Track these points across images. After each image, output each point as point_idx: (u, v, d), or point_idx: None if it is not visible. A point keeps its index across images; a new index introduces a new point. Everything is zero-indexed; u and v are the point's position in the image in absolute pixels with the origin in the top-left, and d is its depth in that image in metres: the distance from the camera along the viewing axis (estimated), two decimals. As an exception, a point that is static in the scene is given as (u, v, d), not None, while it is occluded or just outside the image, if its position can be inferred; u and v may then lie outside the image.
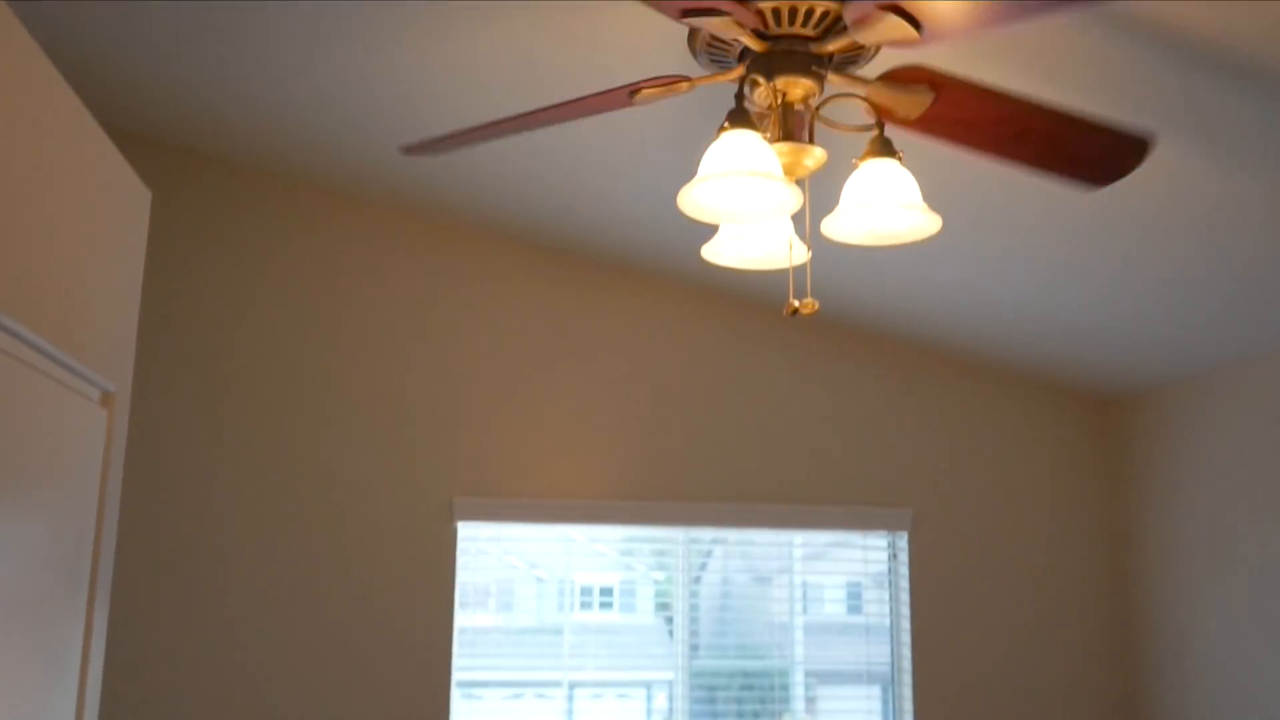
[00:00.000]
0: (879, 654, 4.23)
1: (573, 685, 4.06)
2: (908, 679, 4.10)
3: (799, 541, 4.25)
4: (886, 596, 4.24)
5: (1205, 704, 3.78)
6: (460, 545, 3.89)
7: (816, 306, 1.90)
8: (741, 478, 4.07)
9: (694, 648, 4.13)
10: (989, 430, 4.29)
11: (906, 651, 4.12)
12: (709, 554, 4.25)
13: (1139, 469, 4.22)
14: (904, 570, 4.15)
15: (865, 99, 1.93)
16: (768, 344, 4.15)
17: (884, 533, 4.20)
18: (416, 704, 3.73)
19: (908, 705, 4.10)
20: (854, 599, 4.32)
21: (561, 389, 3.98)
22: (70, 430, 1.75)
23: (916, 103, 1.85)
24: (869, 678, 4.23)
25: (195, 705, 3.59)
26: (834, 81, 1.96)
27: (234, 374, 3.78)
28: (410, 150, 2.18)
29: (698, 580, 4.19)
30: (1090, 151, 1.89)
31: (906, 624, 4.13)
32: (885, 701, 4.21)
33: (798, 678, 4.23)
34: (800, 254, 2.05)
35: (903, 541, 4.17)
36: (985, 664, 4.13)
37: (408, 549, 3.79)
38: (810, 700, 4.26)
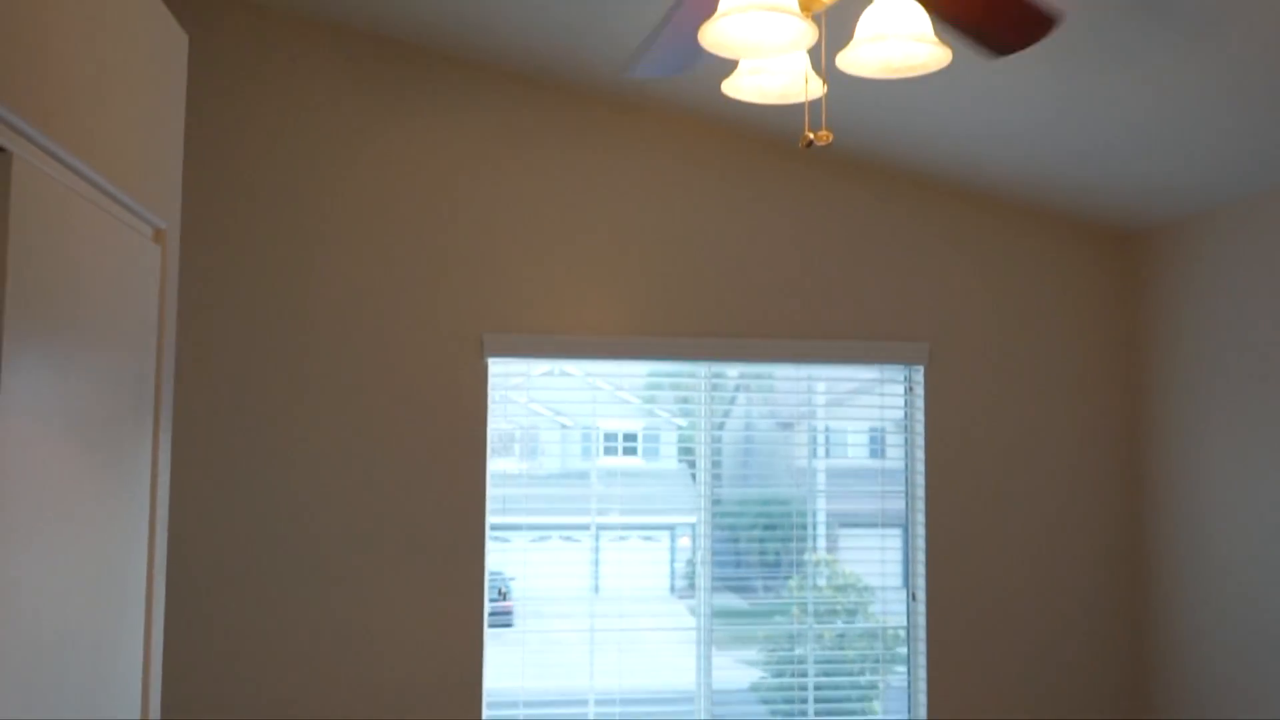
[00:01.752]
0: (896, 498, 4.41)
1: (599, 529, 4.28)
2: (921, 519, 4.31)
3: (821, 390, 4.40)
4: (904, 440, 4.42)
5: (1213, 538, 3.95)
6: (490, 386, 4.06)
7: (830, 137, 2.02)
8: (761, 313, 4.21)
9: (717, 492, 4.32)
10: (1007, 265, 4.37)
11: (921, 480, 4.31)
12: (732, 401, 4.40)
13: (1157, 303, 4.28)
14: (920, 403, 4.31)
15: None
16: (787, 180, 4.23)
17: (901, 366, 4.35)
18: (454, 541, 3.97)
19: (921, 544, 4.32)
20: (875, 444, 4.48)
21: (586, 228, 4.10)
22: (129, 264, 1.91)
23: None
24: (885, 520, 4.42)
25: (248, 519, 3.87)
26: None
27: (272, 216, 3.92)
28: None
29: (721, 427, 4.35)
30: (1004, 20, 2.01)
31: (921, 455, 4.30)
32: (904, 542, 4.41)
33: (819, 521, 4.42)
34: (816, 88, 2.15)
35: (919, 375, 4.31)
36: (996, 501, 4.31)
37: (440, 386, 3.99)
38: (831, 542, 4.46)
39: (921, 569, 4.29)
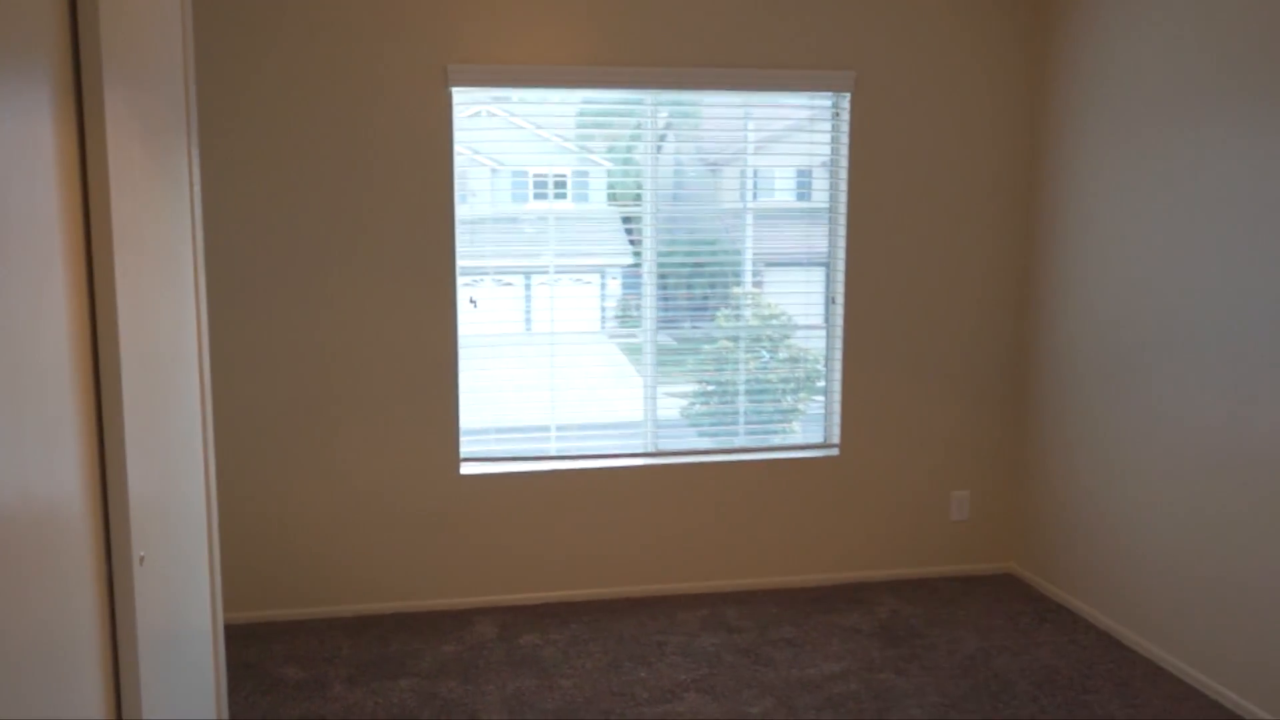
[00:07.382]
0: (821, 237, 4.79)
1: (534, 271, 4.61)
2: (842, 229, 4.72)
3: (752, 128, 4.68)
4: (828, 174, 4.72)
5: (1101, 274, 4.31)
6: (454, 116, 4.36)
7: None
8: (700, 44, 4.50)
9: (649, 234, 4.63)
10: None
11: (844, 197, 4.69)
12: (661, 142, 4.67)
13: (1076, 40, 4.49)
14: (845, 128, 4.65)
15: None
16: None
17: (829, 95, 4.67)
18: (423, 260, 4.40)
19: (841, 258, 4.74)
20: (803, 186, 4.82)
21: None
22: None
23: None
24: (810, 259, 4.79)
25: (269, 220, 4.31)
26: None
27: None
28: None
29: (653, 169, 4.59)
30: None
31: (845, 175, 4.66)
32: (826, 279, 4.80)
33: (747, 260, 4.77)
34: None
35: (845, 103, 4.66)
36: (911, 219, 4.75)
37: (408, 115, 4.32)
38: (758, 282, 4.83)
39: (841, 278, 4.76)
